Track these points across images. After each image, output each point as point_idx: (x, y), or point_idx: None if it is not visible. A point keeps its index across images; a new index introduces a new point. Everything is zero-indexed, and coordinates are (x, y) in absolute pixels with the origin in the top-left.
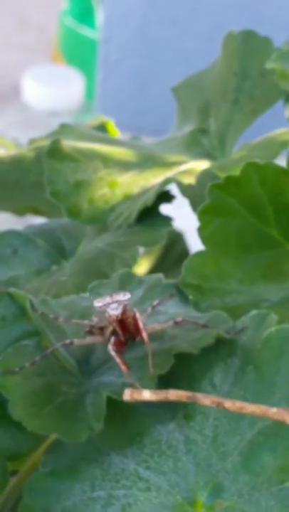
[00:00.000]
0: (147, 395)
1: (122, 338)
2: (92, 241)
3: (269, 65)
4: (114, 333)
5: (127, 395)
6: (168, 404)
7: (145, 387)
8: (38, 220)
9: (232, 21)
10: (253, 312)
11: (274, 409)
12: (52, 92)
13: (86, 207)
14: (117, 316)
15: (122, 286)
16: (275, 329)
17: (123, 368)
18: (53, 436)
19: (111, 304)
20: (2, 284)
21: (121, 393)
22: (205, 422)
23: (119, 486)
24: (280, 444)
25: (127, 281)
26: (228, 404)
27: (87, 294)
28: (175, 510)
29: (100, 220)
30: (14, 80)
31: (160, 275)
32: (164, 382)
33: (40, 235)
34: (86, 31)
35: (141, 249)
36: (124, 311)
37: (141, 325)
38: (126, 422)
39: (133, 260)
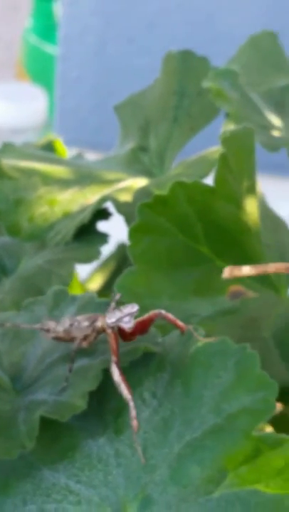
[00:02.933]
0: (247, 270)
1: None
2: (32, 258)
3: (205, 84)
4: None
5: (227, 272)
6: (99, 419)
7: (76, 404)
8: None
9: (188, 39)
10: None
11: None
12: (15, 109)
13: (26, 225)
14: (130, 329)
15: (56, 304)
16: (202, 344)
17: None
18: None
19: (124, 318)
20: None
21: (54, 412)
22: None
23: (50, 500)
24: (207, 456)
25: (61, 299)
26: None
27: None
28: None
29: (39, 237)
30: None
31: (92, 294)
32: (96, 397)
33: None
34: (49, 48)
35: (94, 265)
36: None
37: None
38: (58, 437)
39: (69, 277)
